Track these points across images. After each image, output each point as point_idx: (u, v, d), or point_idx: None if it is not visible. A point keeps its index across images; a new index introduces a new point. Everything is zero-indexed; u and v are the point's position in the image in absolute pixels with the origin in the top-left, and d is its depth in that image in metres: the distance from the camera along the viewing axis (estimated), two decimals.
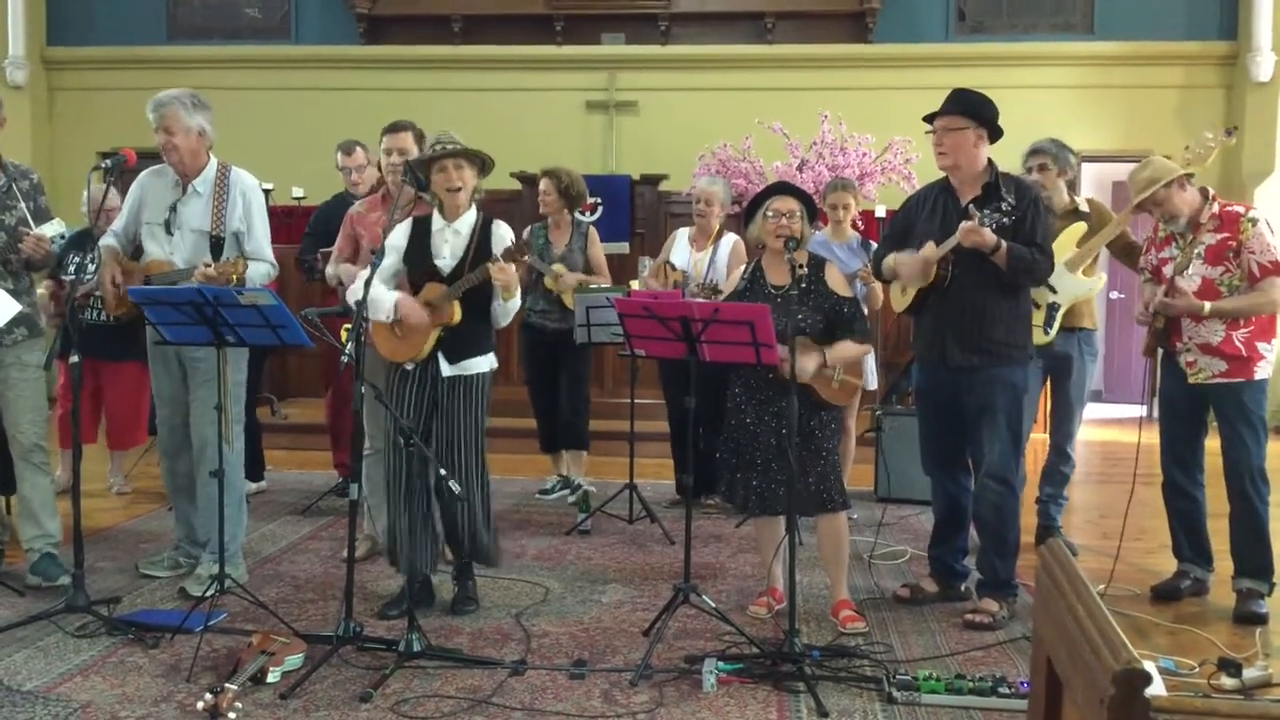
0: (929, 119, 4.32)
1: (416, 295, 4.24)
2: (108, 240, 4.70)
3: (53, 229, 4.54)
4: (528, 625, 4.19)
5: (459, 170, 4.21)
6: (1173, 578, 4.69)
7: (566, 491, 6.34)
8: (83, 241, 5.04)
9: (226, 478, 4.23)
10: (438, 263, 4.26)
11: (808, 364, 4.04)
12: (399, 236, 4.31)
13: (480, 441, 4.32)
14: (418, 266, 4.27)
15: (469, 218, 4.30)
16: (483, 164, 4.31)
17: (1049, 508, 5.37)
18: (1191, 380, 4.46)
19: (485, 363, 4.34)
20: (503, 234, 4.30)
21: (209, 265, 4.40)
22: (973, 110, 4.23)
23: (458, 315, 4.19)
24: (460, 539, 4.34)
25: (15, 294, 4.52)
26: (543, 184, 6.14)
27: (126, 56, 10.96)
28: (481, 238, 4.27)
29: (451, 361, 4.24)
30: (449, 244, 4.27)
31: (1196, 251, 4.42)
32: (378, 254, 4.06)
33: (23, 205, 4.57)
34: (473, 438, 4.29)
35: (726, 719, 3.37)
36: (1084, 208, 5.16)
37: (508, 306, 4.23)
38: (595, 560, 5.16)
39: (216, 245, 4.53)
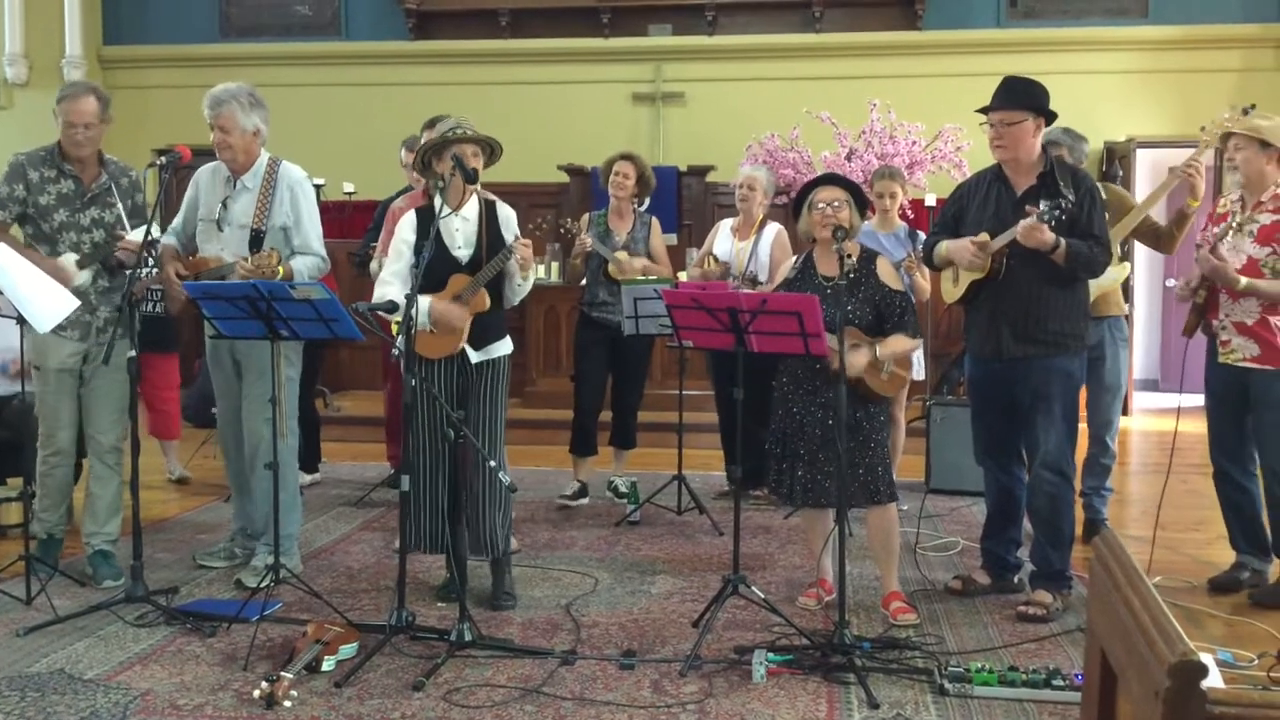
0: (983, 111, 4.26)
1: (440, 290, 4.19)
2: (167, 239, 4.75)
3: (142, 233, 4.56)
4: (577, 615, 4.21)
5: (475, 158, 4.20)
6: (1231, 569, 4.62)
7: (585, 500, 6.00)
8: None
9: (281, 470, 4.27)
10: (455, 253, 4.24)
11: (858, 359, 4.00)
12: (408, 230, 4.27)
13: (502, 425, 4.35)
14: (436, 259, 4.16)
15: (474, 203, 4.30)
16: (491, 151, 4.30)
17: (1093, 500, 5.26)
18: (1222, 359, 4.42)
19: (506, 345, 4.39)
20: (508, 214, 4.34)
21: (247, 259, 4.43)
22: (1029, 100, 4.16)
23: (488, 301, 4.22)
24: (482, 534, 4.24)
25: (111, 291, 4.60)
26: (622, 166, 5.85)
27: (181, 55, 11.11)
28: (489, 221, 4.29)
29: (478, 348, 4.26)
30: (461, 232, 4.25)
31: (1249, 230, 4.37)
32: (426, 250, 4.01)
33: (119, 204, 4.65)
34: (497, 422, 4.31)
35: (777, 710, 3.36)
36: (1103, 195, 5.09)
37: (526, 285, 4.30)
38: (644, 551, 5.17)
39: (256, 239, 4.52)
